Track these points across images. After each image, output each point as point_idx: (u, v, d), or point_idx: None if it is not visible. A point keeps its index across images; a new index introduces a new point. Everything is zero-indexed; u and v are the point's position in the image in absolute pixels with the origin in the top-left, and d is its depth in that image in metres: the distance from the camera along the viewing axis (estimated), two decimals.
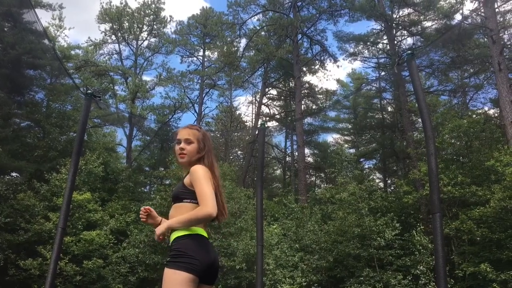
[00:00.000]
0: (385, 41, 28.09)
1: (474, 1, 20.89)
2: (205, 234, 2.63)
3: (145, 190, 28.34)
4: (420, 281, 15.34)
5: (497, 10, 20.09)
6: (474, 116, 21.02)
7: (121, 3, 28.91)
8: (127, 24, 29.21)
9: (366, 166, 32.33)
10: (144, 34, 30.26)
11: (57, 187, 18.58)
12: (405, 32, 27.49)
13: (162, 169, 25.62)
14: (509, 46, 23.17)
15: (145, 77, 30.02)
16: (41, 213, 18.17)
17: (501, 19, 22.33)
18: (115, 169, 24.06)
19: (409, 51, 5.63)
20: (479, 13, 19.46)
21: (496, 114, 22.49)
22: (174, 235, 2.58)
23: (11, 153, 19.71)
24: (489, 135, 18.40)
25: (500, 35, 19.84)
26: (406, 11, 26.73)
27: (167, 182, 23.45)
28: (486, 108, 26.33)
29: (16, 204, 17.68)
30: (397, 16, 26.91)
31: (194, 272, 2.45)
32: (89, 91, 7.11)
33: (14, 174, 20.40)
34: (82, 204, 18.74)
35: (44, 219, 17.89)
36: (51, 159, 20.82)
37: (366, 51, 29.49)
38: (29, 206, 17.98)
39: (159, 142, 30.38)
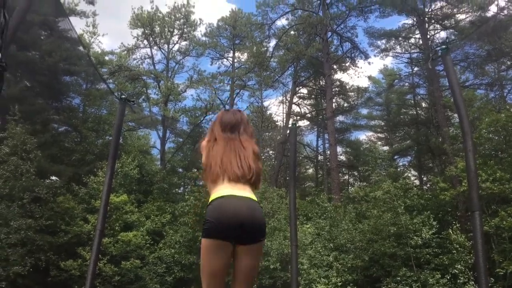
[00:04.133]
0: (417, 36, 27.54)
1: None
2: (220, 195, 2.54)
3: (179, 191, 28.73)
4: (458, 280, 14.97)
5: None
6: None
7: (152, 8, 29.42)
8: (158, 28, 29.71)
9: (401, 164, 31.76)
10: (175, 38, 30.74)
11: (95, 189, 19.08)
12: (438, 25, 26.84)
13: (195, 170, 25.91)
14: None
15: (177, 80, 30.39)
16: (80, 216, 18.70)
17: None
18: (149, 171, 24.50)
19: (444, 46, 5.51)
20: None
21: None
22: None
23: (51, 157, 20.38)
24: None
25: None
26: (439, 4, 26.13)
27: (200, 183, 23.71)
28: None
29: (56, 207, 18.24)
30: (429, 10, 26.31)
31: (209, 235, 2.42)
32: (123, 96, 7.28)
33: (53, 177, 21.06)
34: (119, 206, 19.18)
35: (83, 221, 18.42)
36: (89, 163, 21.41)
37: (398, 47, 28.99)
38: (68, 209, 18.54)
39: (191, 144, 30.74)
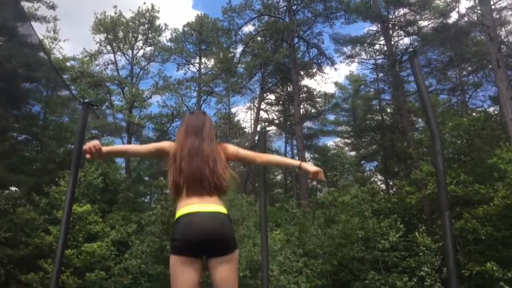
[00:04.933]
0: (382, 42, 28.06)
1: None
2: (187, 212, 2.54)
3: (146, 200, 28.16)
4: (425, 283, 15.18)
5: (493, 7, 20.05)
6: (474, 114, 20.92)
7: (115, 13, 28.83)
8: (122, 33, 29.13)
9: (368, 168, 32.20)
10: (140, 43, 30.17)
11: (57, 199, 18.42)
12: (402, 32, 27.45)
13: (162, 178, 25.44)
14: (506, 43, 23.12)
15: (142, 86, 29.83)
16: (41, 227, 18.00)
17: (498, 16, 22.29)
18: (114, 180, 23.89)
19: (411, 50, 5.52)
20: (475, 10, 19.43)
21: (496, 112, 22.38)
22: None
23: (10, 167, 19.55)
24: (490, 133, 18.31)
25: (497, 32, 19.80)
26: (402, 11, 26.73)
27: (167, 191, 23.24)
28: (485, 106, 26.22)
29: (16, 218, 17.48)
30: (393, 17, 26.89)
31: (176, 252, 2.48)
32: (86, 100, 6.97)
33: (13, 188, 20.24)
34: (82, 216, 18.58)
35: (44, 233, 17.72)
36: (50, 172, 20.68)
37: (363, 53, 29.46)
38: (28, 220, 17.80)
39: None
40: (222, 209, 2.58)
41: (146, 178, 29.56)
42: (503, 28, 23.28)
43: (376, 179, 31.27)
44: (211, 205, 2.55)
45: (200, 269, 2.52)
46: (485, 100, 26.46)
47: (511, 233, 14.40)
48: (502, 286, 13.22)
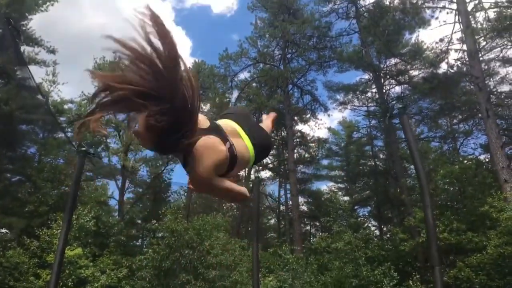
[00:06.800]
0: (374, 90, 28.71)
1: (459, 51, 21.61)
2: None
3: (138, 244, 27.78)
4: None
5: (481, 58, 20.75)
6: (466, 161, 21.20)
7: (114, 58, 29.34)
8: None
9: (361, 214, 32.12)
10: None
11: (48, 242, 18.17)
12: (393, 80, 28.17)
13: (155, 221, 25.26)
14: (495, 93, 23.75)
15: None
16: (31, 271, 17.67)
17: (486, 66, 23.00)
18: (107, 222, 23.65)
19: (401, 106, 5.77)
20: (464, 61, 20.08)
21: (487, 159, 22.71)
22: None
23: (2, 208, 19.42)
24: (481, 180, 18.50)
25: (486, 82, 20.39)
26: (393, 60, 27.53)
27: (160, 235, 23.05)
28: (477, 154, 26.62)
29: (5, 261, 17.20)
30: (385, 66, 27.67)
31: None
32: (83, 148, 7.11)
33: (3, 230, 20.00)
34: (73, 260, 18.27)
35: (34, 277, 17.38)
36: (42, 214, 20.48)
37: (355, 100, 30.06)
38: (18, 264, 17.50)
39: (152, 194, 30.14)
40: None
41: (139, 221, 29.29)
42: (491, 79, 23.95)
43: (370, 225, 31.16)
44: None
45: None
46: (476, 148, 26.93)
47: (505, 282, 14.31)
48: None
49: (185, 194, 29.96)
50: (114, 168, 27.26)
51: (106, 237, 22.94)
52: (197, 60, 33.85)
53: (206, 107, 33.61)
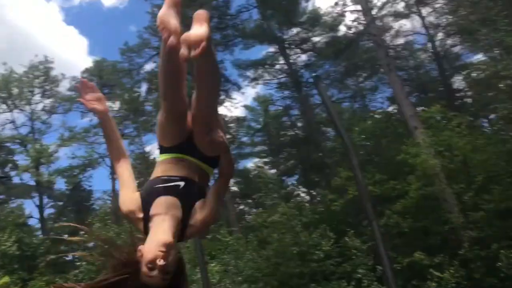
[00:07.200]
0: (282, 62, 29.14)
1: (354, 12, 22.47)
2: None
3: (69, 258, 26.42)
4: (363, 284, 15.66)
5: (375, 16, 21.70)
6: (376, 116, 22.31)
7: (6, 70, 27.25)
8: (16, 90, 27.56)
9: (290, 183, 32.88)
10: (37, 97, 28.74)
11: None
12: (298, 50, 28.75)
13: (83, 232, 24.07)
14: (392, 46, 25.06)
15: (46, 141, 28.31)
16: None
17: (381, 23, 24.12)
18: (30, 244, 22.23)
19: (314, 74, 5.83)
20: (361, 21, 20.91)
21: (395, 110, 24.05)
22: None
23: None
24: (394, 130, 19.61)
25: (383, 38, 21.44)
26: (295, 30, 28.06)
27: (90, 245, 22.05)
28: (385, 107, 28.08)
29: None
30: (288, 37, 28.12)
31: None
32: None
33: None
34: None
35: None
36: None
37: (266, 74, 30.36)
38: None
39: (74, 205, 28.71)
40: None
41: (66, 236, 27.80)
42: (387, 34, 25.20)
43: (299, 192, 32.02)
44: None
45: None
46: (383, 101, 28.42)
47: (430, 222, 15.38)
48: (431, 272, 14.00)
49: (110, 198, 28.84)
50: (27, 186, 25.55)
51: (33, 259, 21.63)
52: (97, 58, 32.31)
53: (115, 105, 32.32)
